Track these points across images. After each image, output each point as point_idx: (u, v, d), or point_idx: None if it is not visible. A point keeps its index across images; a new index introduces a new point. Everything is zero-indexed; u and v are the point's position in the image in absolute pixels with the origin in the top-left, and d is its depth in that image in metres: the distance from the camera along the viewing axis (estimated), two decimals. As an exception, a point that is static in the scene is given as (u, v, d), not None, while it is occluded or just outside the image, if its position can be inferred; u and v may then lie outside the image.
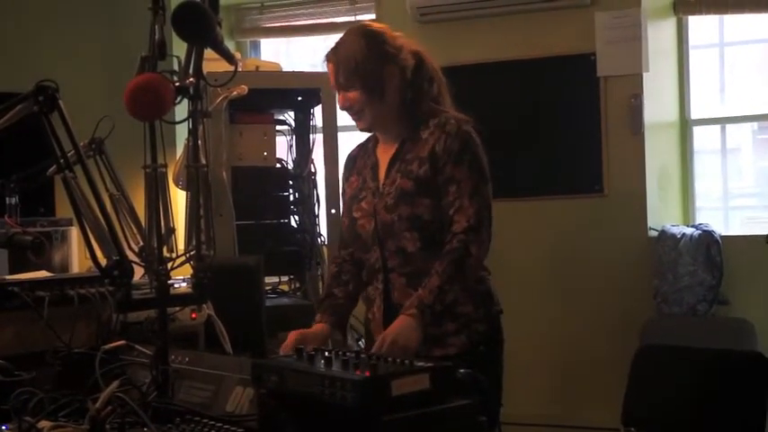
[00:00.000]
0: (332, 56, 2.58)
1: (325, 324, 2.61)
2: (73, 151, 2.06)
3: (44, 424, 1.71)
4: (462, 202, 2.50)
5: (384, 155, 2.67)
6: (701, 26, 4.80)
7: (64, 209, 4.58)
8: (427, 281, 2.44)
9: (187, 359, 2.12)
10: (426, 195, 2.53)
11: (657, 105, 4.60)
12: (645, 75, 4.47)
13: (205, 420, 1.78)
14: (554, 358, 4.63)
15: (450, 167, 2.52)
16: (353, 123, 2.67)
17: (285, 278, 3.85)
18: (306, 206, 3.85)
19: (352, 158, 2.80)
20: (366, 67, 2.53)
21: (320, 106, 3.84)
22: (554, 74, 4.62)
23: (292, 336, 2.50)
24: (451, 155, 2.52)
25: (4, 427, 1.76)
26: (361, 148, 2.79)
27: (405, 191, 2.54)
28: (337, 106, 3.70)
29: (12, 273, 3.07)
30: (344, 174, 2.81)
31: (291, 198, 3.85)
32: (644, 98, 4.47)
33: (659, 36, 4.62)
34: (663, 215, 4.61)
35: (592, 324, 4.56)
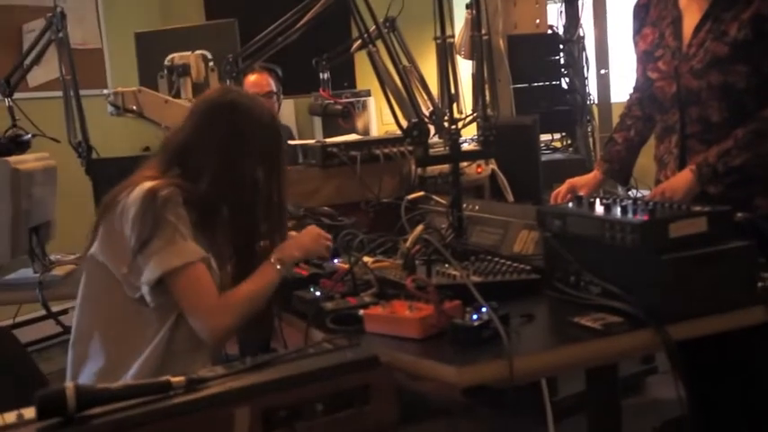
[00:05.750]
0: None
1: (598, 171, 2.59)
2: (374, 27, 2.31)
3: (366, 258, 1.99)
4: None
5: (690, 10, 2.34)
6: None
7: (363, 82, 4.99)
8: (723, 142, 2.24)
9: (477, 207, 2.33)
10: (743, 62, 2.21)
11: None
12: None
13: (497, 259, 1.95)
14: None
15: None
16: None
17: (558, 135, 4.04)
18: (575, 68, 3.96)
19: (643, 6, 2.49)
20: None
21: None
22: None
23: (565, 183, 2.55)
24: None
25: (336, 260, 2.09)
26: None
27: (717, 56, 2.23)
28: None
29: (324, 137, 3.43)
30: (635, 23, 2.50)
31: (562, 61, 3.96)
32: None
33: None
34: None
35: None
